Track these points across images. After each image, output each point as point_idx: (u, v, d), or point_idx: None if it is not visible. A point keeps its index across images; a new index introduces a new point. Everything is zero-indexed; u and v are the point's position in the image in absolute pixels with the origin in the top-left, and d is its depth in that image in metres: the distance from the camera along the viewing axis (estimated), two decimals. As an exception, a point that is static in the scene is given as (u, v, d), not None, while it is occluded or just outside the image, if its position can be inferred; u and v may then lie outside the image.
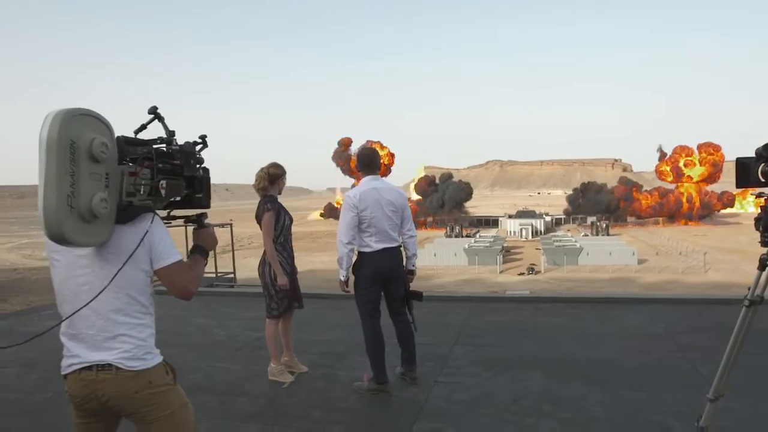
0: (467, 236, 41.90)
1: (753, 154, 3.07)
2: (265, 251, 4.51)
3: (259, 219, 4.46)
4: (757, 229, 3.05)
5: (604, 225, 44.05)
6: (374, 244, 4.17)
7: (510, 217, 52.23)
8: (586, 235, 41.28)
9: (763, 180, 3.01)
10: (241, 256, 20.30)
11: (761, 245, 3.04)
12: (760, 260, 3.03)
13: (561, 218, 56.08)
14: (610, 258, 29.60)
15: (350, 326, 6.32)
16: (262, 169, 4.48)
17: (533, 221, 47.79)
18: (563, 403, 3.99)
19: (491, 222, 56.38)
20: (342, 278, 4.27)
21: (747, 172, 3.09)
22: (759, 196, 3.12)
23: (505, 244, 35.67)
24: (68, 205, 1.69)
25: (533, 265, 29.09)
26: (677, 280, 23.92)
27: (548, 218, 51.53)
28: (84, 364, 1.96)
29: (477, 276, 27.04)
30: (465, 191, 76.68)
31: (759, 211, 3.09)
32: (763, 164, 2.99)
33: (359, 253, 4.24)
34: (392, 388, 4.31)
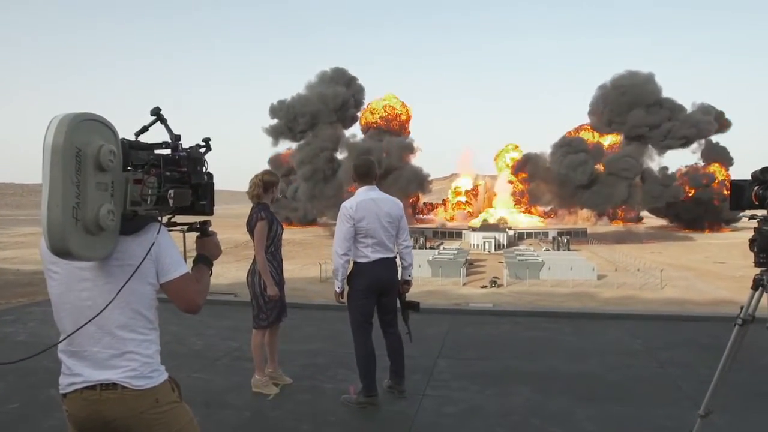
0: (431, 248, 42.10)
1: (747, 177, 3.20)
2: (254, 260, 4.41)
3: (251, 227, 4.35)
4: (752, 250, 3.14)
5: (565, 240, 44.98)
6: (371, 255, 4.13)
7: (473, 230, 52.74)
8: (547, 250, 42.03)
9: (756, 203, 3.12)
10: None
11: (755, 266, 3.14)
12: (754, 280, 3.12)
13: (524, 233, 56.92)
14: (571, 273, 30.10)
15: (329, 337, 6.27)
16: (257, 176, 4.39)
17: (496, 235, 48.32)
18: (553, 418, 4.01)
19: (455, 234, 56.82)
20: (337, 289, 4.21)
21: (741, 195, 3.19)
22: (752, 218, 3.22)
23: (468, 257, 35.97)
24: (73, 217, 1.58)
25: (496, 278, 29.34)
26: (635, 295, 24.51)
27: (511, 232, 52.24)
28: (87, 383, 1.84)
29: (440, 288, 27.10)
30: (419, 177, 55.99)
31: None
32: (757, 187, 3.10)
33: (355, 263, 4.19)
34: (380, 401, 4.26)
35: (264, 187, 4.37)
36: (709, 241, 48.60)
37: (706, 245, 45.38)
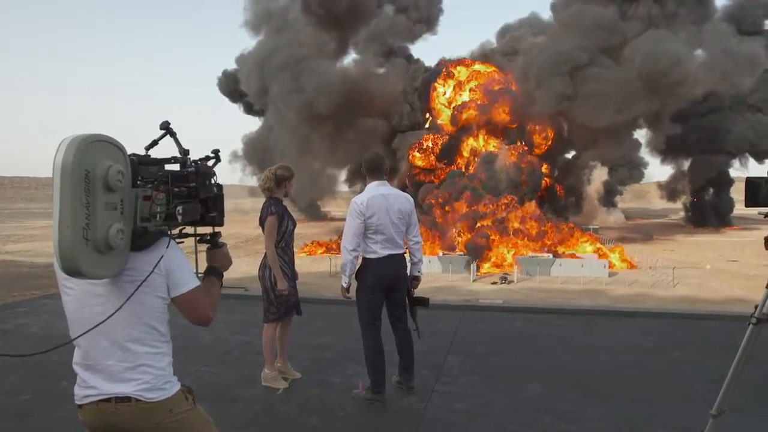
0: (441, 243, 42.00)
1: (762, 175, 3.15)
2: (265, 255, 4.42)
3: (262, 222, 4.36)
4: (767, 248, 3.10)
5: (576, 237, 44.95)
6: (380, 251, 4.12)
7: (484, 226, 52.69)
8: (558, 247, 41.86)
9: (772, 200, 3.08)
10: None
11: (771, 264, 3.10)
12: (770, 279, 3.08)
13: (533, 229, 56.68)
14: (582, 270, 29.79)
15: (338, 332, 6.27)
16: (270, 169, 4.40)
17: (506, 231, 48.29)
18: (563, 416, 3.99)
19: (465, 230, 56.88)
20: (344, 285, 4.21)
21: (756, 192, 3.15)
22: (767, 216, 3.18)
23: (479, 253, 35.87)
24: (84, 237, 1.62)
25: (506, 274, 29.21)
26: (647, 293, 24.29)
27: (521, 229, 52.16)
28: (102, 396, 1.88)
29: (450, 284, 27.14)
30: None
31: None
32: (773, 184, 3.06)
33: (364, 259, 4.19)
34: (389, 396, 4.26)
35: (276, 181, 4.37)
36: (721, 239, 48.10)
37: (719, 243, 44.86)
